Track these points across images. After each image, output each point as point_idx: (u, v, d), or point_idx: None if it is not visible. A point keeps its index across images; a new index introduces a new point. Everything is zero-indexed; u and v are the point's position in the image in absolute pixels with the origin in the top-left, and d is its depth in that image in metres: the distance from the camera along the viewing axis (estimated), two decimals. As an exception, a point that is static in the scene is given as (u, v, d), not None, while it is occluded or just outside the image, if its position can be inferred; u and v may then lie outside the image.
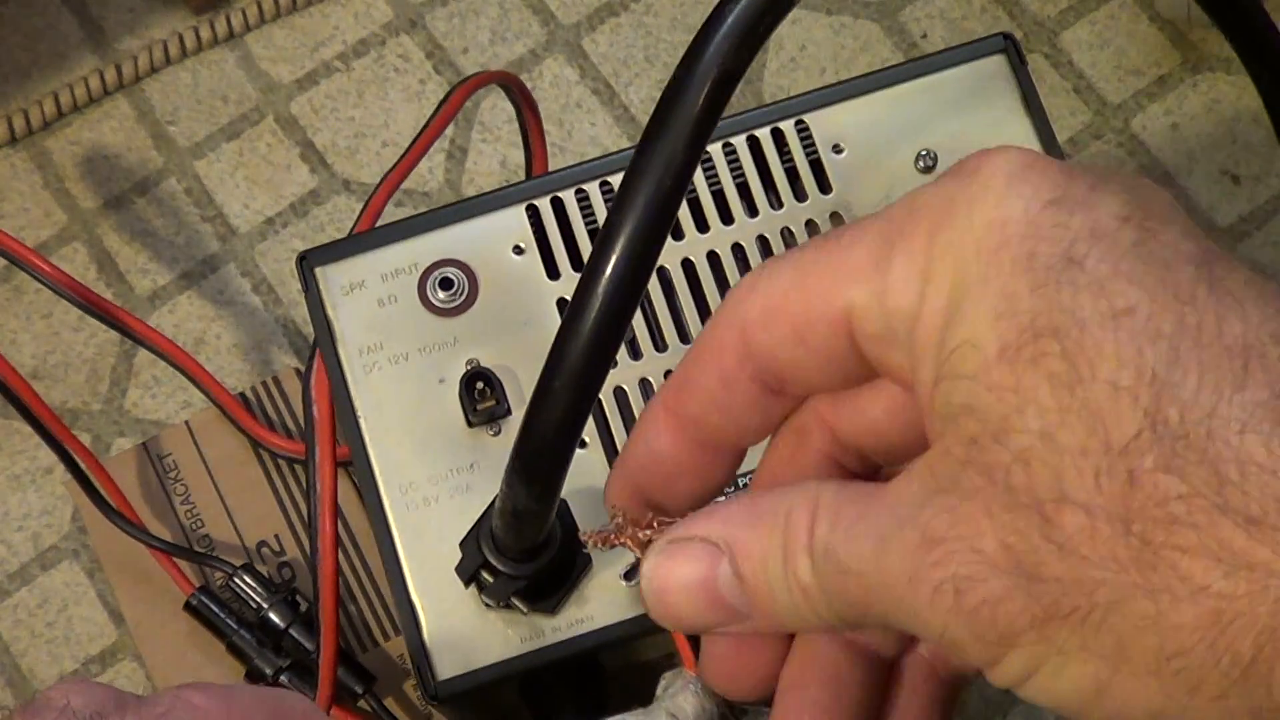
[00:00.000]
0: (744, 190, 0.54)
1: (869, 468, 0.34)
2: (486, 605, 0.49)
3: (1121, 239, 0.27)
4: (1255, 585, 0.25)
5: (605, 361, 0.39)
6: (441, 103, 0.63)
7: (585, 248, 0.53)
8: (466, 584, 0.49)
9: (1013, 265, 0.27)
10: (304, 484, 0.78)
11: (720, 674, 0.34)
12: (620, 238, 0.37)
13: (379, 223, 0.61)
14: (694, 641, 0.37)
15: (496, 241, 0.53)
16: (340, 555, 0.76)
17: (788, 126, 0.54)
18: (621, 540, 0.34)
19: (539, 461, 0.41)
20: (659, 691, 0.36)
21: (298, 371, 0.81)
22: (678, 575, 0.32)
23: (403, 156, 0.62)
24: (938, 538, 0.27)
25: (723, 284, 0.52)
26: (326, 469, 0.56)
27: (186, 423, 0.79)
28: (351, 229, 0.60)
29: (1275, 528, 0.25)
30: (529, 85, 0.71)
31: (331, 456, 0.56)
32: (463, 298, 0.53)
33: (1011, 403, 0.26)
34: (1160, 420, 0.25)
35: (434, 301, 0.52)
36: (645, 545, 0.33)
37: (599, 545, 0.34)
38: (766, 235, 0.53)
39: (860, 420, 0.33)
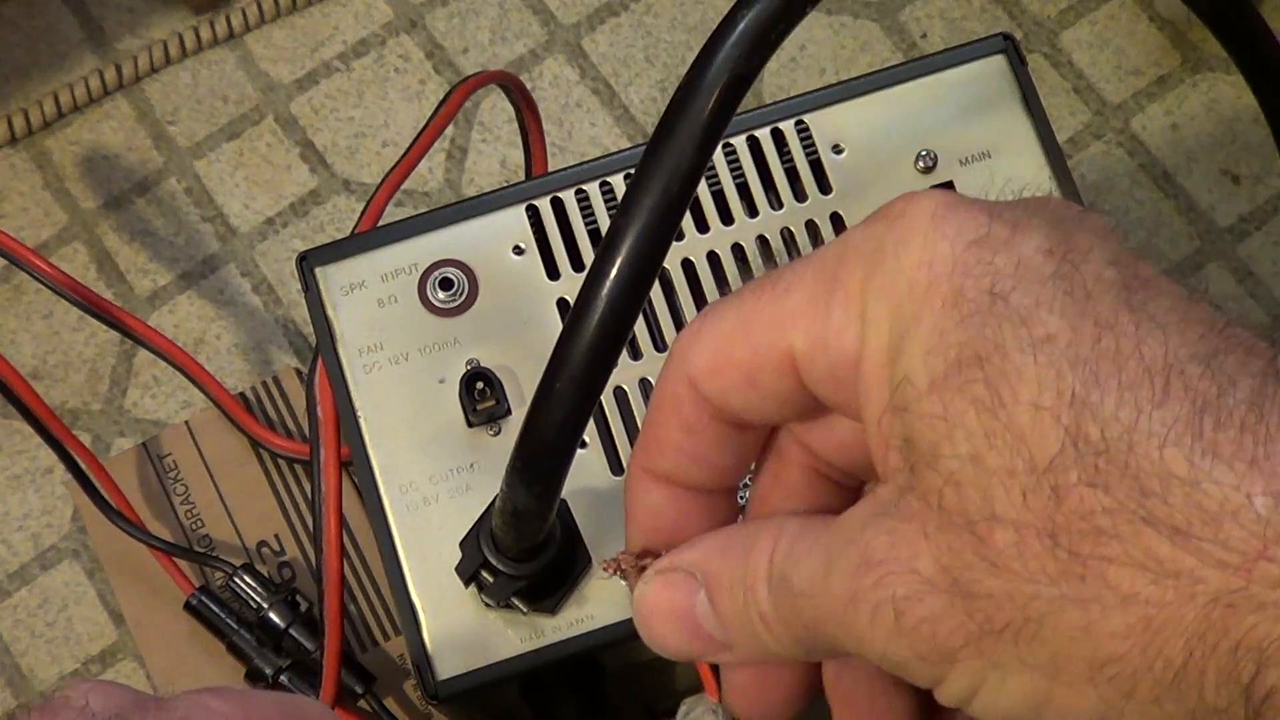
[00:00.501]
0: (744, 190, 0.54)
1: (853, 479, 0.35)
2: (486, 605, 0.49)
3: (1044, 272, 0.28)
4: (1182, 592, 0.25)
5: (608, 364, 0.39)
6: (442, 102, 0.63)
7: (585, 248, 0.53)
8: (466, 584, 0.49)
9: (942, 303, 0.28)
10: (304, 484, 0.78)
11: (742, 700, 0.35)
12: (626, 241, 0.37)
13: (380, 223, 0.61)
14: (713, 669, 0.37)
15: (496, 241, 0.53)
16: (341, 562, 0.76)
17: (788, 126, 0.54)
18: (623, 571, 0.35)
19: (540, 462, 0.41)
20: (679, 716, 0.36)
21: (298, 371, 0.81)
22: (659, 603, 0.33)
23: (403, 156, 0.62)
24: (877, 559, 0.28)
25: (723, 284, 0.52)
26: (331, 471, 0.56)
27: (186, 423, 0.79)
28: (353, 229, 0.60)
29: (1199, 538, 0.25)
30: (529, 85, 0.71)
31: (336, 458, 0.56)
32: (463, 298, 0.53)
33: (941, 430, 0.28)
34: (1081, 438, 0.26)
35: (434, 301, 0.52)
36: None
37: (612, 574, 0.35)
38: (766, 235, 0.53)
39: (830, 439, 0.33)
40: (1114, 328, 0.27)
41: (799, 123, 0.54)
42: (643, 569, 0.34)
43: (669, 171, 0.36)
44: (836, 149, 0.54)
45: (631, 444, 0.51)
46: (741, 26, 0.37)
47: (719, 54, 0.36)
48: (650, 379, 0.52)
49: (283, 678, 0.72)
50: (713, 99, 0.36)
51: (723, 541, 0.33)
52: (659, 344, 0.52)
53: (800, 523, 0.32)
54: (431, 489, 0.51)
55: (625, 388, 0.52)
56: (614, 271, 0.37)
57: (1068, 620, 0.27)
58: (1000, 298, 0.28)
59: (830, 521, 0.31)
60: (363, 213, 0.60)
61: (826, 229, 0.53)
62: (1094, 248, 0.28)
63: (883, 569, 0.28)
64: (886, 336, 0.29)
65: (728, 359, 0.32)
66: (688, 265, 0.53)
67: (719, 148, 0.54)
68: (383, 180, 0.61)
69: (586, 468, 0.51)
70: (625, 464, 0.51)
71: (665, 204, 0.36)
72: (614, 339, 0.38)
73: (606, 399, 0.51)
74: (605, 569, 0.35)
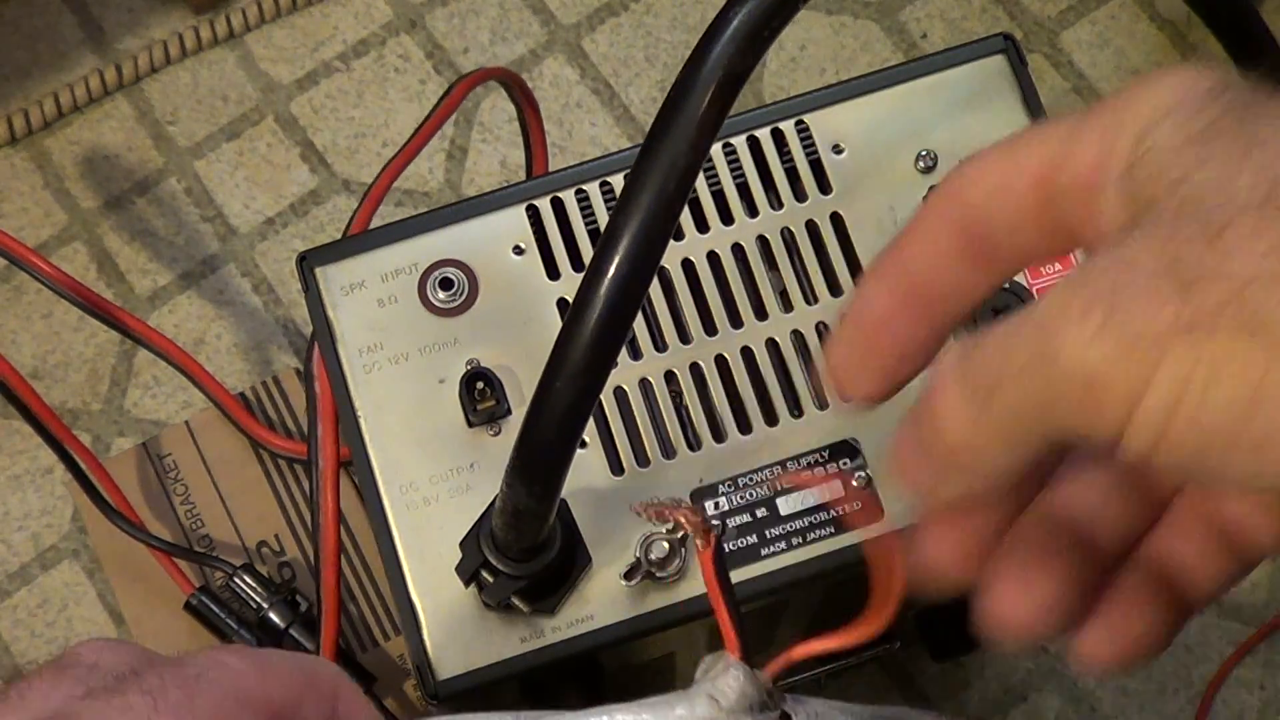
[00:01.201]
0: (744, 190, 0.54)
1: None
2: (486, 605, 0.49)
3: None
4: None
5: (607, 363, 0.39)
6: (443, 96, 0.63)
7: (585, 248, 0.53)
8: (466, 584, 0.49)
9: (1190, 105, 0.29)
10: (304, 484, 0.78)
11: (938, 554, 0.34)
12: (624, 239, 0.37)
13: (377, 214, 0.61)
14: (737, 624, 0.37)
15: (496, 241, 0.53)
16: (340, 556, 0.76)
17: (788, 126, 0.54)
18: (677, 516, 0.35)
19: (540, 461, 0.41)
20: (698, 674, 0.36)
21: (298, 371, 0.81)
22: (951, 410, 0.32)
23: (403, 148, 0.62)
24: (1096, 269, 0.28)
25: (723, 284, 0.52)
26: (329, 443, 0.56)
27: (186, 423, 0.79)
28: (350, 218, 0.60)
29: None
30: (529, 85, 0.71)
31: (334, 429, 0.56)
32: (463, 298, 0.53)
33: (1193, 159, 0.28)
34: None
35: (434, 301, 0.52)
36: (698, 524, 0.35)
37: (651, 518, 0.35)
38: (766, 235, 0.53)
39: None
40: None
41: (799, 123, 0.54)
42: (699, 520, 0.34)
43: (665, 170, 0.36)
44: (836, 149, 0.54)
45: (631, 444, 0.51)
46: (734, 24, 0.37)
47: (712, 52, 0.36)
48: (650, 379, 0.52)
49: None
50: (707, 97, 0.36)
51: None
52: (659, 344, 0.52)
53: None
54: (431, 489, 0.51)
55: (625, 388, 0.52)
56: (611, 270, 0.37)
57: None
58: (1242, 104, 0.29)
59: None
60: (361, 201, 0.60)
61: (826, 229, 0.53)
62: None
63: (1096, 271, 0.28)
64: (1134, 138, 0.30)
65: (989, 171, 0.33)
66: (688, 265, 0.53)
67: (719, 147, 0.54)
68: (382, 170, 0.61)
69: (586, 468, 0.51)
70: (625, 464, 0.51)
71: (662, 202, 0.36)
72: (613, 337, 0.38)
73: (606, 399, 0.51)
74: (640, 510, 0.36)
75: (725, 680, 0.35)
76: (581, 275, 0.39)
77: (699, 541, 0.36)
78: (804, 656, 0.37)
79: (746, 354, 0.52)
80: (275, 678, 0.34)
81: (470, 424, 0.51)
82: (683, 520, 0.35)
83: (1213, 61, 0.33)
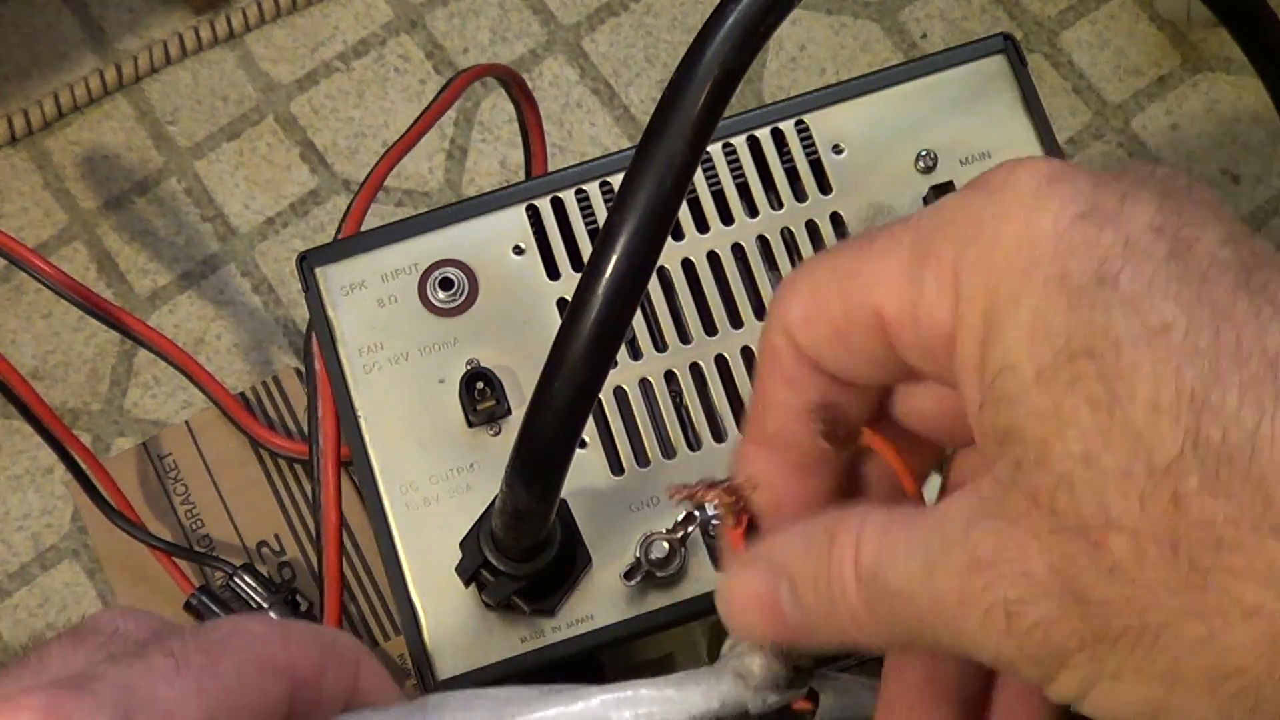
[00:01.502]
0: (744, 190, 0.54)
1: (938, 447, 0.34)
2: (486, 605, 0.49)
3: (1155, 252, 0.26)
4: None
5: (606, 362, 0.39)
6: (442, 89, 0.63)
7: (585, 248, 0.53)
8: (466, 584, 0.49)
9: (1044, 285, 0.27)
10: (304, 484, 0.78)
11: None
12: (621, 238, 0.37)
13: (378, 214, 0.61)
14: None
15: (496, 241, 0.53)
16: (343, 531, 0.76)
17: (788, 126, 0.54)
18: (709, 496, 0.35)
19: (539, 461, 0.41)
20: (724, 650, 0.36)
21: (298, 371, 0.81)
22: (746, 593, 0.33)
23: (400, 139, 0.62)
24: (986, 561, 0.27)
25: (723, 284, 0.52)
26: (329, 424, 0.56)
27: (186, 423, 0.79)
28: (347, 209, 0.60)
29: None
30: (529, 85, 0.71)
31: (334, 417, 0.56)
32: (463, 298, 0.53)
33: (1052, 426, 0.26)
34: (1202, 440, 0.25)
35: (434, 301, 0.52)
36: (730, 504, 0.35)
37: (685, 500, 0.36)
38: (766, 235, 0.53)
39: (917, 409, 0.33)
40: (1233, 316, 0.26)
41: (799, 123, 0.54)
42: (732, 500, 0.35)
43: (661, 168, 0.36)
44: (836, 149, 0.54)
45: (631, 444, 0.51)
46: (730, 21, 0.37)
47: (708, 50, 0.36)
48: (650, 379, 0.52)
49: (283, 678, 0.72)
50: (703, 95, 0.36)
51: (803, 535, 0.32)
52: (659, 344, 0.52)
53: (884, 515, 0.30)
54: (431, 489, 0.51)
55: (625, 388, 0.52)
56: (609, 270, 0.37)
57: (1188, 631, 0.26)
58: (1109, 281, 0.26)
59: (918, 515, 0.30)
60: (358, 191, 0.60)
61: (826, 229, 0.53)
62: (1206, 224, 0.27)
63: (993, 571, 0.27)
64: (981, 316, 0.28)
65: (820, 312, 0.31)
66: (688, 265, 0.53)
67: (719, 147, 0.54)
68: (379, 161, 0.61)
69: (586, 468, 0.51)
70: (625, 464, 0.51)
71: (659, 201, 0.36)
72: (611, 337, 0.38)
73: (606, 399, 0.51)
74: (673, 494, 0.36)
75: (752, 657, 0.35)
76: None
77: (729, 523, 0.35)
78: None
79: (746, 354, 0.52)
80: (299, 645, 0.34)
81: (470, 424, 0.51)
82: (716, 500, 0.35)
83: (1066, 159, 0.30)
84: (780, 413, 0.33)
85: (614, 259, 0.37)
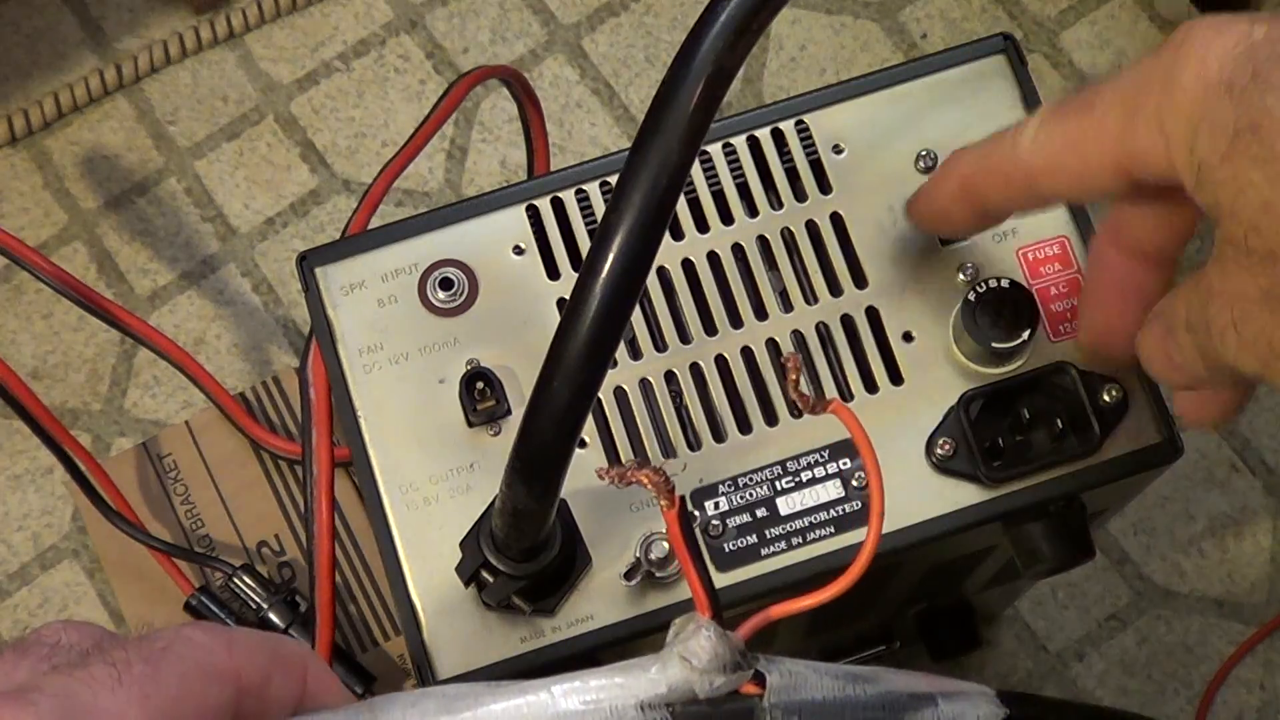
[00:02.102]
0: (744, 190, 0.54)
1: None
2: (486, 605, 0.49)
3: None
4: None
5: (603, 360, 0.39)
6: (444, 94, 0.63)
7: (585, 248, 0.53)
8: (466, 584, 0.49)
9: (1219, 98, 0.36)
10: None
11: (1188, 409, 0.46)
12: (617, 237, 0.36)
13: (377, 215, 0.61)
14: (706, 584, 0.37)
15: (496, 241, 0.53)
16: (340, 555, 0.76)
17: (788, 126, 0.54)
18: (639, 477, 0.36)
19: (538, 461, 0.41)
20: (670, 636, 0.36)
21: (298, 371, 0.81)
22: (1151, 341, 0.44)
23: (405, 145, 0.62)
24: (1215, 290, 0.38)
25: (723, 284, 0.52)
26: (323, 449, 0.56)
27: (186, 423, 0.79)
28: (350, 218, 0.60)
29: None
30: (531, 85, 0.71)
31: (328, 435, 0.56)
32: (463, 298, 0.52)
33: (1234, 189, 0.36)
34: None
35: (434, 301, 0.52)
36: (660, 484, 0.35)
37: (615, 482, 0.36)
38: (766, 235, 0.53)
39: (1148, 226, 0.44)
40: None
41: (799, 123, 0.54)
42: (662, 481, 0.36)
43: (656, 167, 0.36)
44: (836, 149, 0.54)
45: (631, 444, 0.51)
46: (722, 19, 0.37)
47: (701, 47, 0.36)
48: (650, 379, 0.52)
49: (283, 678, 0.72)
50: (697, 93, 0.36)
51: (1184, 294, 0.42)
52: (659, 344, 0.52)
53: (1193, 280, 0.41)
54: (431, 489, 0.51)
55: (625, 388, 0.52)
56: (605, 269, 0.37)
57: None
58: (1261, 77, 0.35)
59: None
60: (361, 201, 0.60)
61: (826, 229, 0.53)
62: None
63: (1221, 298, 0.38)
64: (1183, 140, 0.37)
65: (1061, 166, 0.42)
66: (688, 265, 0.53)
67: (719, 147, 0.54)
68: (382, 170, 0.61)
69: (587, 468, 0.51)
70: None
71: (654, 200, 0.36)
72: (608, 336, 0.38)
73: (606, 399, 0.51)
74: (604, 475, 0.36)
75: (697, 641, 0.35)
76: (581, 275, 0.39)
77: (663, 502, 0.36)
78: (781, 616, 0.37)
79: (746, 354, 0.52)
80: (242, 652, 0.34)
81: (470, 424, 0.51)
82: (645, 481, 0.35)
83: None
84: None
85: (610, 259, 0.37)
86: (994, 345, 0.49)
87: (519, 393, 0.51)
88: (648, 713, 0.35)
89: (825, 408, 0.38)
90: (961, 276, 0.52)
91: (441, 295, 0.53)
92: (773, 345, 0.52)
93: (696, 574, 0.37)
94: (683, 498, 0.37)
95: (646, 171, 0.36)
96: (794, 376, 0.38)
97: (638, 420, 0.51)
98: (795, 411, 0.51)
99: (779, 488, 0.51)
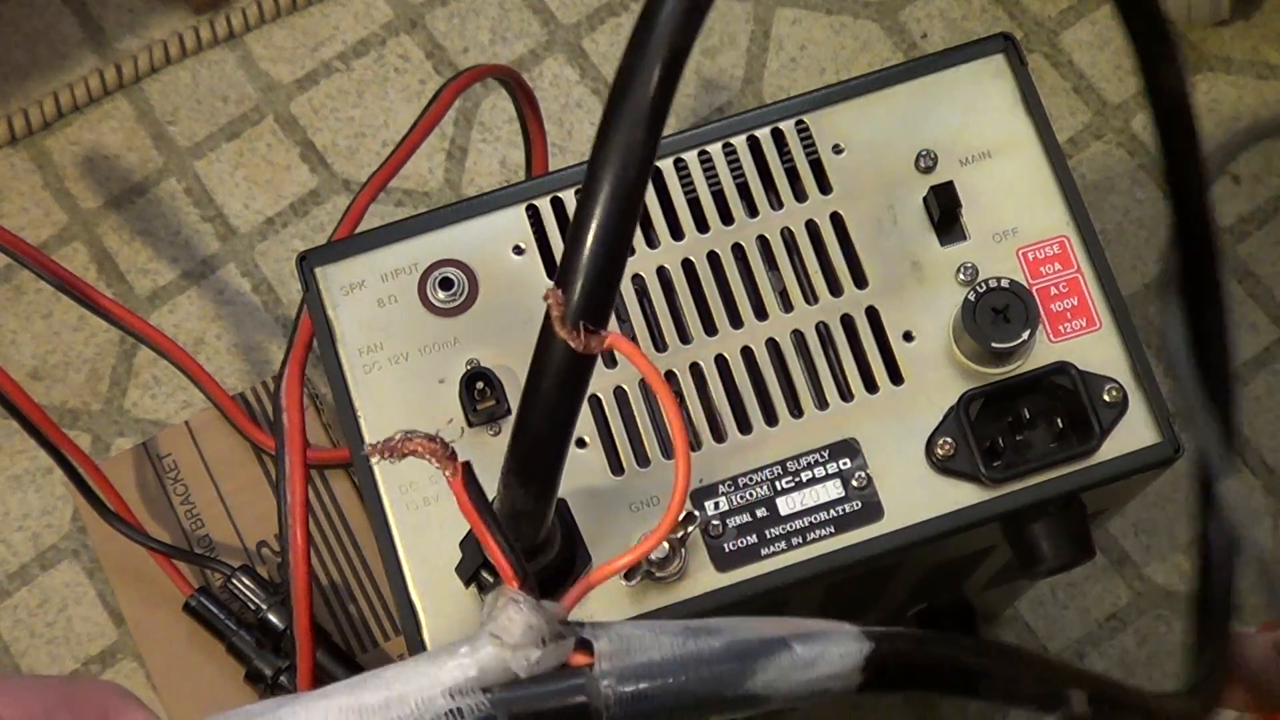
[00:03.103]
0: (744, 190, 0.54)
1: None
2: (486, 605, 0.49)
3: None
4: None
5: (589, 359, 0.39)
6: (439, 91, 0.62)
7: (585, 248, 0.53)
8: (466, 584, 0.49)
9: None
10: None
11: None
12: (588, 236, 0.36)
13: (378, 215, 0.61)
14: (508, 553, 0.35)
15: (496, 241, 0.53)
16: (340, 555, 0.76)
17: (788, 126, 0.54)
18: (413, 447, 0.33)
19: (533, 461, 0.41)
20: (482, 615, 0.33)
21: (271, 397, 0.81)
22: None
23: (400, 143, 0.62)
24: None
25: (723, 284, 0.52)
26: (297, 476, 0.57)
27: (186, 423, 0.79)
28: (346, 209, 0.60)
29: None
30: (529, 85, 0.71)
31: (302, 465, 0.56)
32: (463, 298, 0.52)
33: None
34: None
35: (434, 301, 0.52)
36: (438, 451, 0.32)
37: (387, 457, 0.33)
38: (766, 235, 0.53)
39: None
40: None
41: (799, 123, 0.54)
42: (413, 449, 0.32)
43: (622, 156, 0.36)
44: (836, 149, 0.54)
45: (631, 444, 0.51)
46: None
47: (655, 30, 0.36)
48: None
49: (282, 678, 0.72)
50: (655, 77, 0.36)
51: None
52: (659, 344, 0.52)
53: None
54: (431, 489, 0.51)
55: (625, 388, 0.52)
56: (581, 264, 0.37)
57: None
58: None
59: None
60: (360, 191, 0.60)
61: (826, 229, 0.53)
62: None
63: None
64: None
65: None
66: (688, 265, 0.53)
67: (720, 147, 0.54)
68: (381, 165, 0.61)
69: (586, 468, 0.51)
70: (625, 464, 0.51)
71: (623, 190, 0.36)
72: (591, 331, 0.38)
73: (607, 398, 0.51)
74: (372, 452, 0.33)
75: (506, 615, 0.32)
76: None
77: (446, 472, 0.33)
78: (603, 579, 0.35)
79: (746, 354, 0.52)
80: (9, 703, 0.34)
81: (470, 424, 0.51)
82: (420, 450, 0.33)
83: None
84: None
85: (585, 254, 0.37)
86: (994, 345, 0.49)
87: (519, 392, 0.51)
88: (459, 699, 0.32)
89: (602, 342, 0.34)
90: (961, 276, 0.52)
91: (441, 295, 0.53)
92: (773, 345, 0.52)
93: (495, 543, 0.34)
94: (466, 463, 0.35)
95: (612, 163, 0.36)
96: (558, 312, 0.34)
97: (638, 420, 0.51)
98: (796, 412, 0.51)
99: (779, 488, 0.51)
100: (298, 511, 0.57)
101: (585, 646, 0.33)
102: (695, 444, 0.51)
